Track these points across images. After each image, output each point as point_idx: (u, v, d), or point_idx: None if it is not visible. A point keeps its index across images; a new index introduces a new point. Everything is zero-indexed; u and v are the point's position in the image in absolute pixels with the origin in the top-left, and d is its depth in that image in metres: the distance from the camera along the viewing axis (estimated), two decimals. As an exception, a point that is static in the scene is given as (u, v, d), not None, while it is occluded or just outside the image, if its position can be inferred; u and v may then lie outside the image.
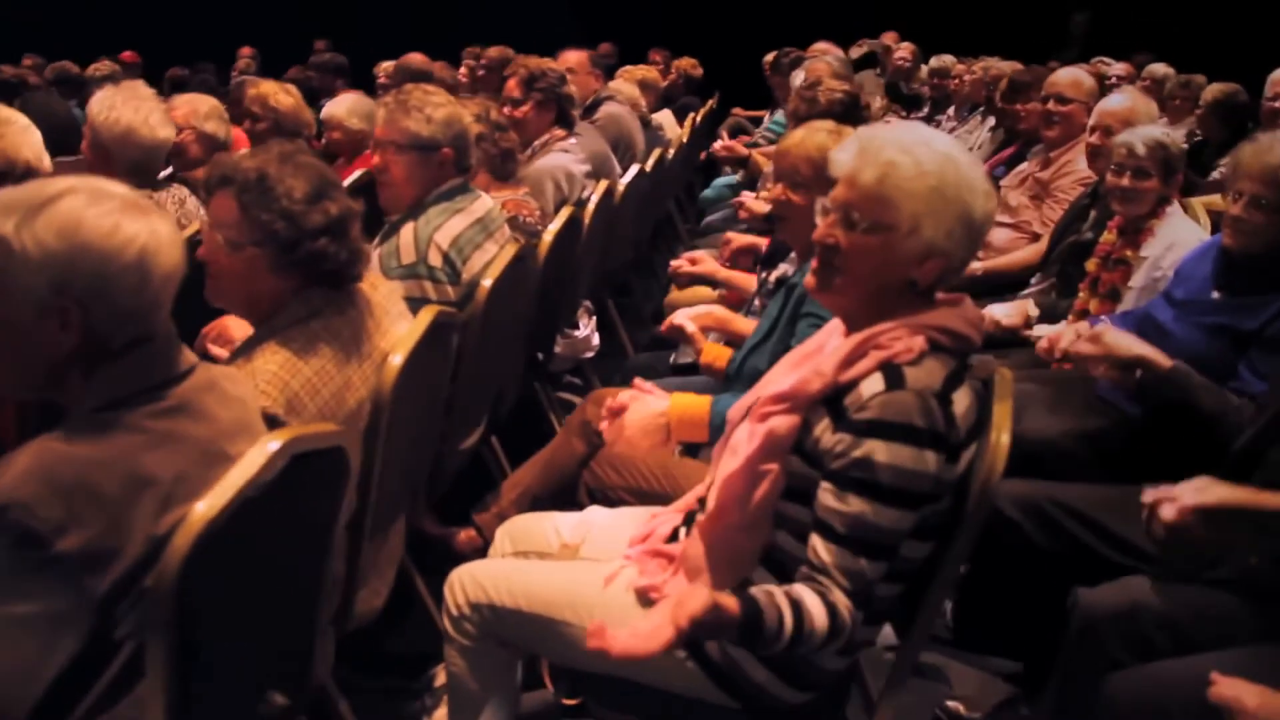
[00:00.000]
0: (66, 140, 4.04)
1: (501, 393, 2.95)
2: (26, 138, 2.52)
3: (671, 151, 5.07)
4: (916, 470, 1.46)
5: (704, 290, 3.49)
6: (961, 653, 2.48)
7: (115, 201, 1.35)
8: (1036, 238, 3.65)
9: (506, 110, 3.42)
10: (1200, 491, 1.55)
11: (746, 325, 2.57)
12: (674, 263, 3.13)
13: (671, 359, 3.23)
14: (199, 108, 3.47)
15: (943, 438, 1.48)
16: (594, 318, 3.83)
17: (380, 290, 2.01)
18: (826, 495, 1.49)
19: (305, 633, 1.71)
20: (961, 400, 1.53)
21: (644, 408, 2.05)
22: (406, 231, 2.47)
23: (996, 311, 3.03)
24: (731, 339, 2.59)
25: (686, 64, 7.63)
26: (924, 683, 2.41)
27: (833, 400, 1.53)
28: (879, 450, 1.45)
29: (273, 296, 1.82)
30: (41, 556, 1.24)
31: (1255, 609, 1.67)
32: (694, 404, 2.05)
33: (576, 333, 3.61)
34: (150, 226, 1.35)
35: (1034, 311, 3.07)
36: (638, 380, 2.15)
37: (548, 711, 2.20)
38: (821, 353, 1.66)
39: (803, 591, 1.48)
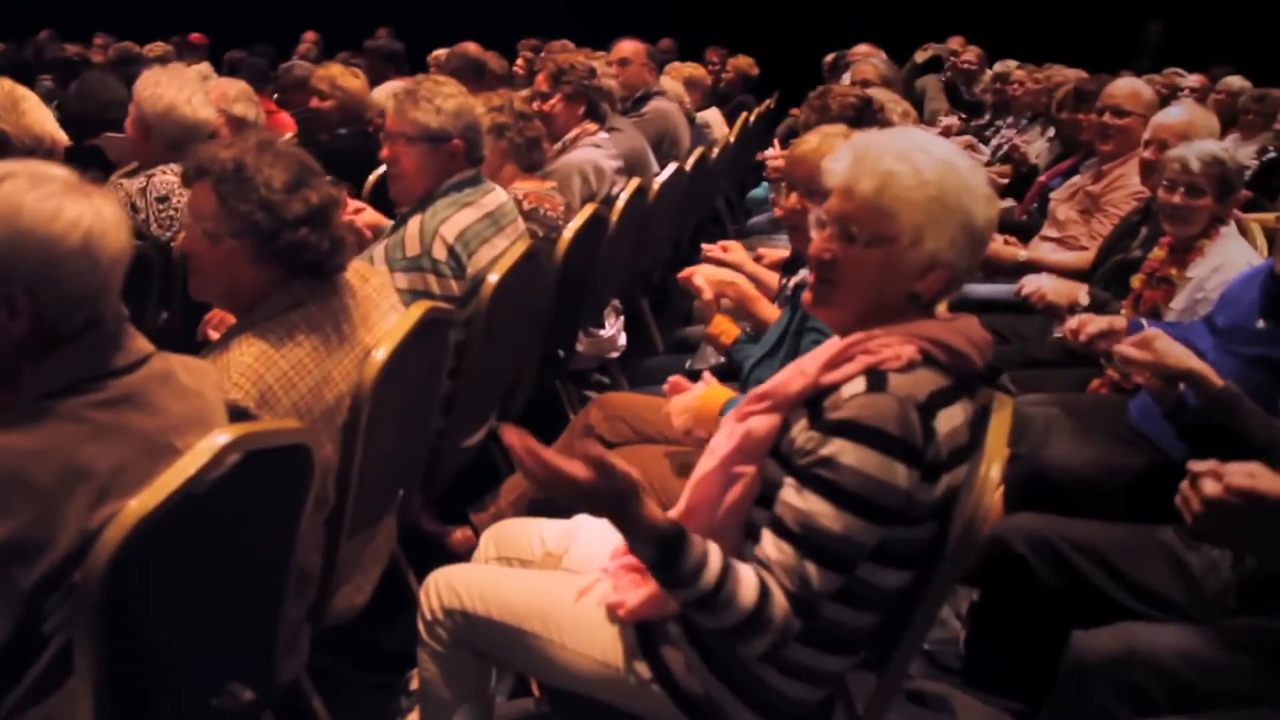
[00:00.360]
0: (117, 119, 4.10)
1: (514, 390, 2.91)
2: (46, 113, 2.53)
3: (716, 151, 4.98)
4: (882, 480, 1.37)
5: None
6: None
7: (56, 184, 1.31)
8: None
9: (535, 104, 3.37)
10: (1252, 476, 1.44)
11: (768, 311, 2.50)
12: (706, 246, 3.05)
13: (688, 364, 3.15)
14: (227, 91, 3.49)
15: (918, 452, 1.39)
16: (621, 317, 3.77)
17: (371, 282, 1.97)
18: (787, 491, 1.42)
19: (267, 629, 1.68)
20: (949, 419, 1.44)
21: (693, 391, 2.10)
22: (413, 224, 2.43)
23: (1044, 283, 2.85)
24: (749, 319, 2.53)
25: (744, 63, 7.51)
26: (926, 713, 2.32)
27: (814, 402, 1.45)
28: (846, 451, 1.37)
29: (254, 288, 1.78)
30: None
31: (1261, 666, 1.55)
32: (715, 396, 2.06)
33: (602, 332, 3.55)
34: (94, 209, 1.32)
35: (1084, 299, 2.91)
36: (706, 374, 2.17)
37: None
38: None
39: (740, 564, 1.41)
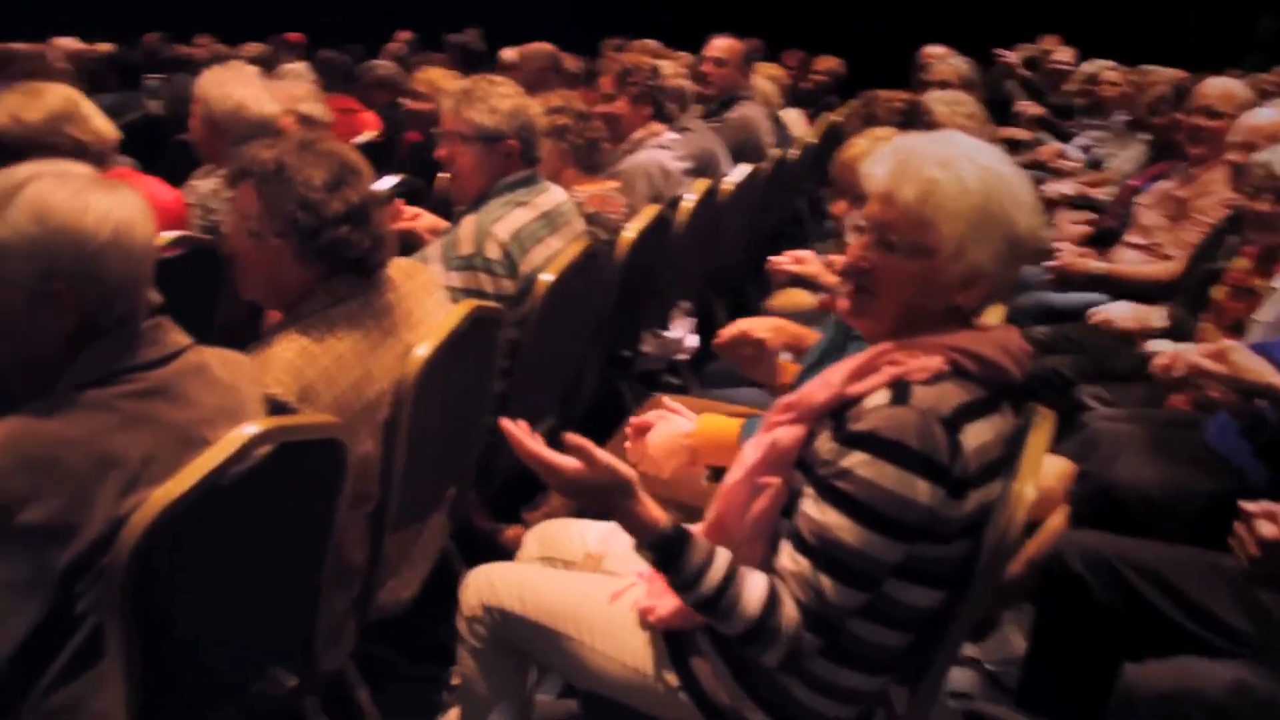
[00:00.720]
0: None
1: (575, 390, 2.91)
2: (99, 112, 2.58)
3: (795, 152, 4.92)
4: (900, 495, 1.33)
5: (803, 296, 3.33)
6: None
7: (81, 180, 1.36)
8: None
9: (600, 106, 3.37)
10: None
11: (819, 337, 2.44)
12: (774, 259, 2.93)
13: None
14: (295, 91, 3.57)
15: (941, 468, 1.35)
16: (693, 319, 3.75)
17: (416, 279, 1.99)
18: (806, 502, 1.40)
19: (306, 618, 1.71)
20: (979, 433, 1.39)
21: (669, 428, 1.91)
22: (467, 223, 2.46)
23: (1111, 310, 2.76)
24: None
25: (833, 63, 7.40)
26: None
27: (839, 413, 1.42)
28: (863, 464, 1.34)
29: (298, 286, 1.82)
30: (3, 526, 1.26)
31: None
32: (722, 426, 1.91)
33: (668, 333, 3.54)
34: (121, 201, 1.37)
35: (1159, 322, 2.78)
36: (664, 398, 2.03)
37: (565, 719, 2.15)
38: None
39: (750, 570, 1.40)
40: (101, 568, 1.29)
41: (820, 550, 1.36)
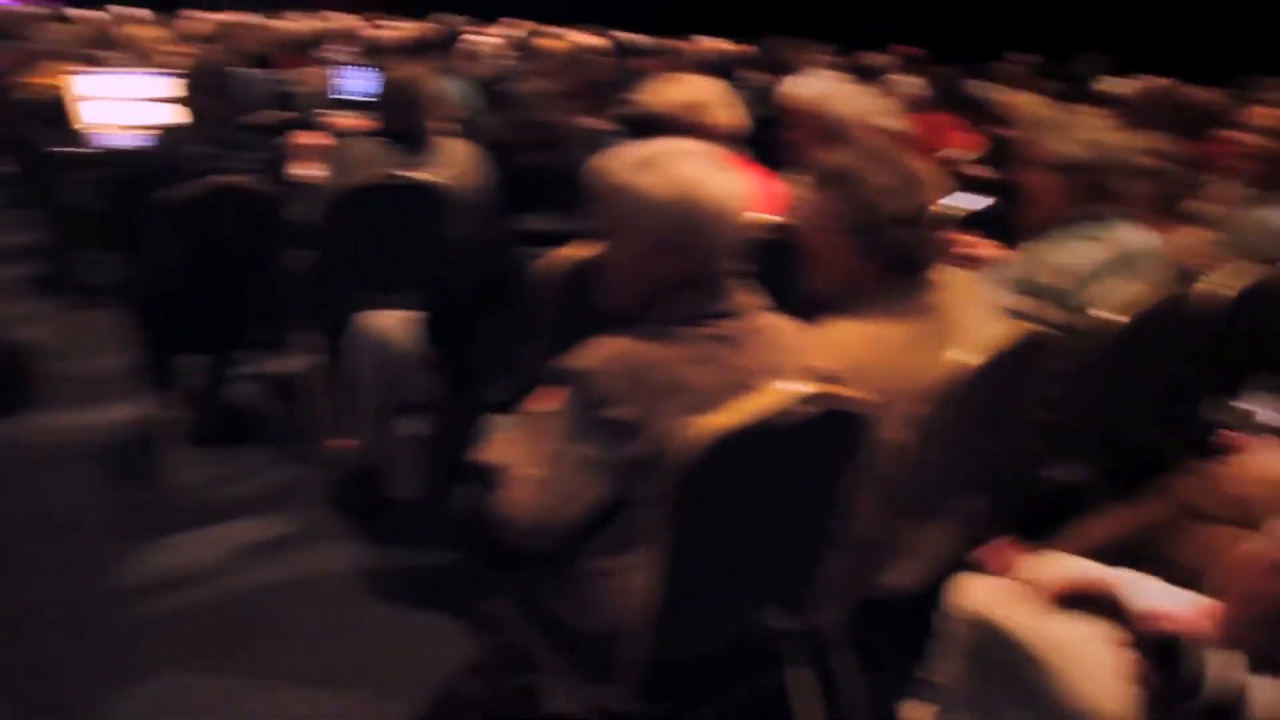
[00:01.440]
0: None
1: (1125, 439, 2.78)
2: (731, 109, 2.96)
3: None
4: None
5: None
6: None
7: (705, 159, 1.67)
8: None
9: (1244, 137, 3.13)
10: None
11: None
12: None
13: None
14: (876, 104, 3.69)
15: None
16: (1280, 398, 3.35)
17: (965, 290, 2.08)
18: None
19: (805, 569, 1.90)
20: None
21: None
22: (1036, 249, 2.48)
23: None
24: None
25: None
26: None
27: None
28: None
29: (857, 278, 2.00)
30: (599, 416, 1.62)
31: None
32: None
33: (1241, 403, 3.20)
34: (730, 180, 1.66)
35: None
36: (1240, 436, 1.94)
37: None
38: None
39: None
40: (656, 470, 1.58)
41: None
